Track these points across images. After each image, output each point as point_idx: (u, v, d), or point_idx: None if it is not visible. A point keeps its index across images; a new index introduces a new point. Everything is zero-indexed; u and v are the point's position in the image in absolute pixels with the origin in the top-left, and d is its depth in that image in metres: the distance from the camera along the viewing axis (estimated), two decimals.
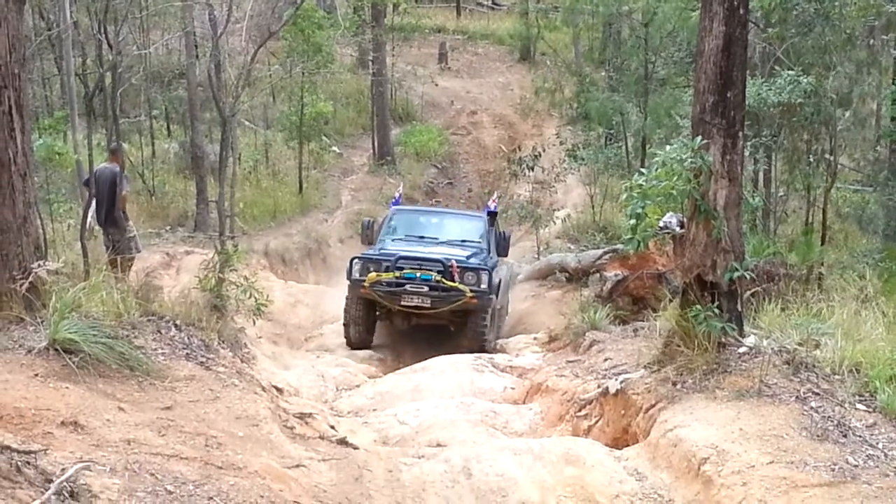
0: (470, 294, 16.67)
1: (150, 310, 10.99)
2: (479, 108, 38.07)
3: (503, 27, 46.00)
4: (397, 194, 22.45)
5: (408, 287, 16.75)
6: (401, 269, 16.85)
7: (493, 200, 21.24)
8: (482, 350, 16.74)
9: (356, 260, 17.36)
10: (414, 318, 17.51)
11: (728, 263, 10.39)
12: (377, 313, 17.78)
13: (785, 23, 18.48)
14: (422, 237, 19.00)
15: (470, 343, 17.01)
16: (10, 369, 8.60)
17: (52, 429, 7.64)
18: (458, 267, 16.85)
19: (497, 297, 17.75)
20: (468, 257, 17.64)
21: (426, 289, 16.76)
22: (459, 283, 16.73)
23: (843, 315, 11.20)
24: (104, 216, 15.87)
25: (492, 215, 20.11)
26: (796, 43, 18.53)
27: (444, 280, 16.70)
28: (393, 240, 18.68)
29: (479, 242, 18.86)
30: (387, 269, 16.89)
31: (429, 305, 16.85)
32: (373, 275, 16.78)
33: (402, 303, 16.90)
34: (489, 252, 18.68)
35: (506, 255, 19.93)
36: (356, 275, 17.08)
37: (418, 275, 16.78)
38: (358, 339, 17.48)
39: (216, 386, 9.79)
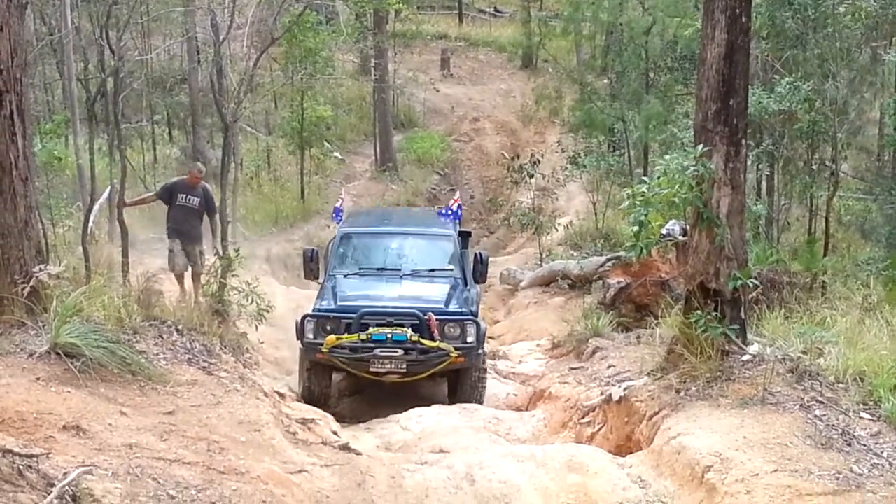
0: (455, 354, 13.60)
1: (151, 315, 10.99)
2: (481, 114, 38.08)
3: (505, 34, 45.98)
4: (339, 202, 18.94)
5: (377, 351, 13.57)
6: (365, 326, 13.67)
7: (455, 201, 17.97)
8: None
9: (308, 318, 14.03)
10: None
11: (731, 271, 10.38)
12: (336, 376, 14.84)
13: (777, 37, 18.50)
14: (381, 270, 15.61)
15: (463, 401, 14.03)
16: (12, 373, 8.60)
17: (54, 433, 7.63)
18: (436, 321, 13.75)
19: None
20: (445, 299, 14.52)
21: (400, 352, 13.58)
22: (440, 340, 13.63)
23: (846, 323, 11.20)
24: (188, 232, 15.98)
25: (464, 236, 17.43)
26: (794, 55, 18.53)
27: (421, 339, 13.58)
28: (346, 276, 15.27)
29: (451, 271, 15.57)
30: (348, 329, 13.75)
31: (405, 370, 13.70)
32: (331, 338, 13.60)
33: (372, 369, 13.69)
34: (465, 283, 15.50)
35: (484, 282, 16.82)
36: (310, 336, 13.90)
37: (389, 335, 13.55)
38: (318, 401, 13.95)
39: (218, 391, 9.78)
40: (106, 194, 19.95)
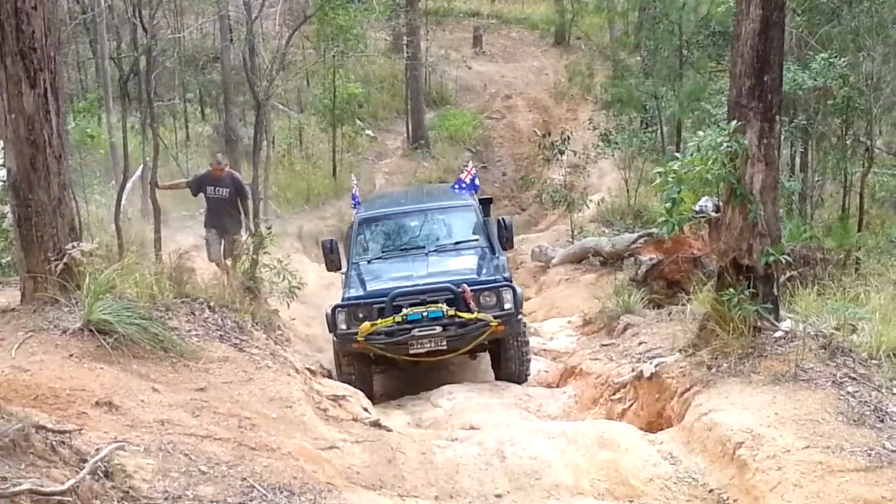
0: (495, 323, 13.20)
1: (183, 292, 11.03)
2: (513, 92, 38.01)
3: (538, 11, 45.85)
4: (353, 187, 18.33)
5: (415, 332, 13.15)
6: (398, 309, 13.26)
7: (468, 172, 17.22)
8: (524, 379, 14.13)
9: (339, 309, 13.54)
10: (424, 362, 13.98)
11: (764, 247, 10.30)
12: (375, 366, 14.41)
13: (811, 11, 18.34)
14: (404, 250, 15.15)
15: (509, 376, 14.02)
16: (45, 350, 8.66)
17: (87, 409, 7.69)
18: (471, 291, 13.34)
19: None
20: (476, 269, 14.11)
21: (438, 329, 13.19)
22: (477, 310, 13.25)
23: (880, 300, 11.10)
24: (223, 222, 16.07)
25: (485, 203, 17.02)
26: (828, 30, 18.37)
27: (458, 312, 13.22)
28: (369, 261, 14.93)
29: (477, 241, 15.13)
30: (381, 314, 13.32)
31: (445, 348, 13.35)
32: (366, 325, 13.17)
33: (412, 351, 13.33)
34: (493, 251, 15.07)
35: (511, 248, 16.30)
36: (342, 327, 13.43)
37: (425, 313, 13.15)
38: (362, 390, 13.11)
39: (250, 367, 9.82)
40: (139, 172, 20.06)
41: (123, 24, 22.16)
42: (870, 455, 7.91)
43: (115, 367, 8.66)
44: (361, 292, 13.83)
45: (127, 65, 20.00)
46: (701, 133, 10.42)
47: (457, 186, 16.79)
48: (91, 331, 8.99)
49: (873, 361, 9.62)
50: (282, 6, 21.67)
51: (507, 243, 15.47)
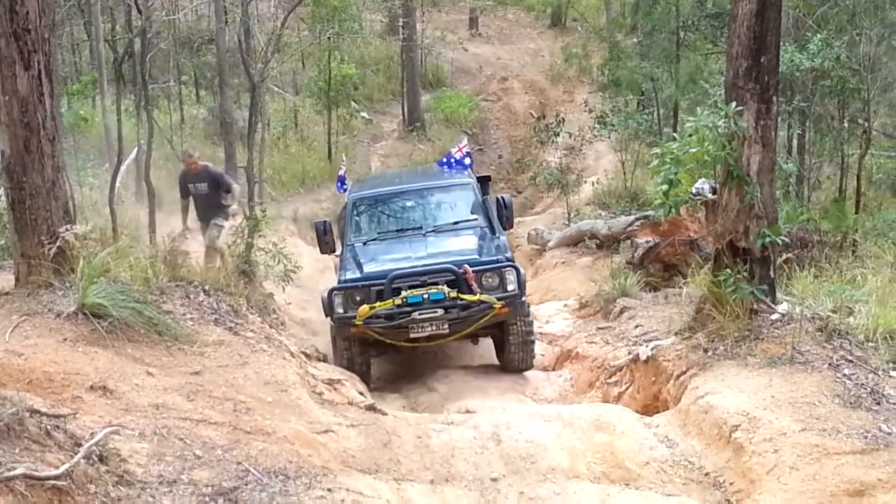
0: (498, 305, 12.71)
1: (178, 275, 11.02)
2: (509, 74, 37.96)
3: None
4: (342, 168, 17.75)
5: (415, 315, 12.65)
6: (398, 291, 12.74)
7: (460, 149, 16.50)
8: (529, 365, 13.72)
9: (336, 292, 13.01)
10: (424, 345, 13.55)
11: (761, 229, 10.29)
12: (372, 350, 13.67)
13: None
14: (400, 231, 14.61)
15: (513, 364, 13.56)
16: (40, 333, 8.65)
17: (81, 393, 7.68)
18: (473, 272, 12.82)
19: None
20: (477, 250, 13.59)
21: (440, 311, 12.68)
22: (480, 292, 12.74)
23: (877, 282, 11.10)
24: (208, 219, 15.76)
25: (483, 181, 16.26)
26: (825, 11, 18.34)
27: (460, 294, 12.70)
28: (364, 243, 14.32)
29: (476, 220, 14.59)
30: (380, 296, 12.79)
31: (447, 331, 12.85)
32: (364, 308, 12.62)
33: (413, 335, 12.83)
34: (493, 231, 14.45)
35: (511, 227, 15.51)
36: (339, 310, 12.90)
37: (425, 295, 12.66)
38: (360, 376, 13.08)
39: (245, 351, 9.81)
40: (133, 155, 20.00)
41: (118, 5, 22.11)
42: (866, 438, 7.91)
43: (109, 350, 8.65)
44: (358, 274, 13.33)
45: (121, 47, 19.96)
46: (699, 114, 10.39)
47: (445, 162, 16.29)
48: (85, 314, 8.97)
49: (870, 344, 9.62)
50: None
51: (507, 223, 14.86)
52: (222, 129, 24.91)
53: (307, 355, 12.13)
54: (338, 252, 15.02)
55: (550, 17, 42.88)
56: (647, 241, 17.14)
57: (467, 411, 10.91)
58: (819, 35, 17.00)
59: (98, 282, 9.33)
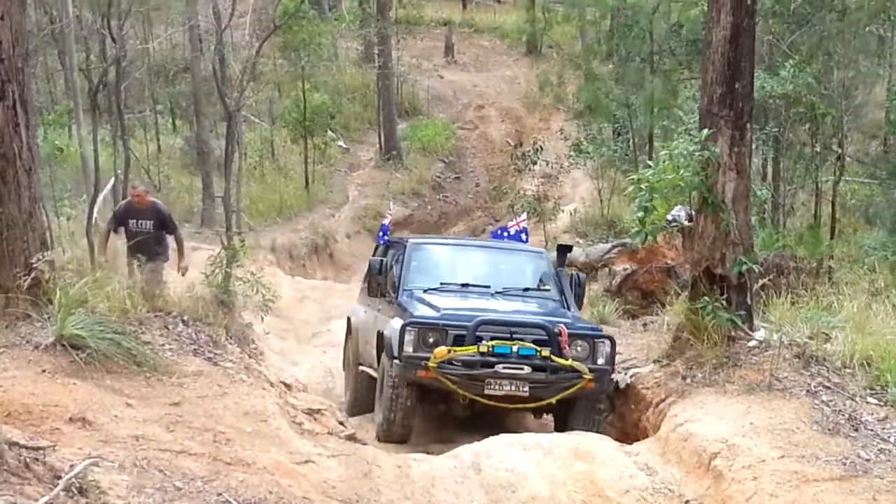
0: (588, 377, 11.06)
1: (156, 305, 10.97)
2: (485, 101, 38.01)
3: (509, 20, 45.80)
4: (388, 216, 17.27)
5: (499, 368, 10.98)
6: (479, 339, 11.04)
7: (518, 223, 15.99)
8: None
9: (409, 327, 11.25)
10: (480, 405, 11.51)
11: (737, 256, 10.38)
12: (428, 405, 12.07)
13: (781, 16, 18.46)
14: (465, 286, 12.86)
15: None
16: (18, 365, 8.59)
17: (60, 425, 7.62)
18: (567, 334, 11.27)
19: None
20: (562, 319, 11.91)
21: (527, 370, 11.04)
22: (570, 358, 11.12)
23: (853, 308, 11.16)
24: (149, 254, 13.75)
25: (563, 250, 14.23)
26: (798, 37, 18.50)
27: (552, 356, 11.05)
28: (427, 290, 12.52)
29: (549, 291, 13.06)
30: (458, 341, 11.13)
31: (526, 394, 11.15)
32: (441, 350, 10.94)
33: (488, 391, 11.06)
34: (566, 306, 12.81)
35: (581, 307, 13.34)
36: (409, 349, 11.17)
37: (514, 349, 11.03)
38: (400, 435, 11.63)
39: (224, 382, 9.75)
40: (110, 185, 19.92)
41: (92, 34, 22.04)
42: (845, 464, 7.96)
43: (88, 382, 8.60)
44: (436, 314, 11.65)
45: (96, 76, 19.92)
46: (674, 141, 10.47)
47: (499, 235, 15.73)
48: (64, 346, 8.91)
49: (847, 370, 9.69)
50: (251, 16, 21.63)
51: (577, 300, 13.13)
52: (199, 159, 24.94)
53: (287, 385, 12.09)
54: (391, 297, 12.92)
55: (526, 44, 43.00)
56: (624, 269, 17.18)
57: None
58: (790, 61, 17.13)
59: (76, 313, 9.27)
